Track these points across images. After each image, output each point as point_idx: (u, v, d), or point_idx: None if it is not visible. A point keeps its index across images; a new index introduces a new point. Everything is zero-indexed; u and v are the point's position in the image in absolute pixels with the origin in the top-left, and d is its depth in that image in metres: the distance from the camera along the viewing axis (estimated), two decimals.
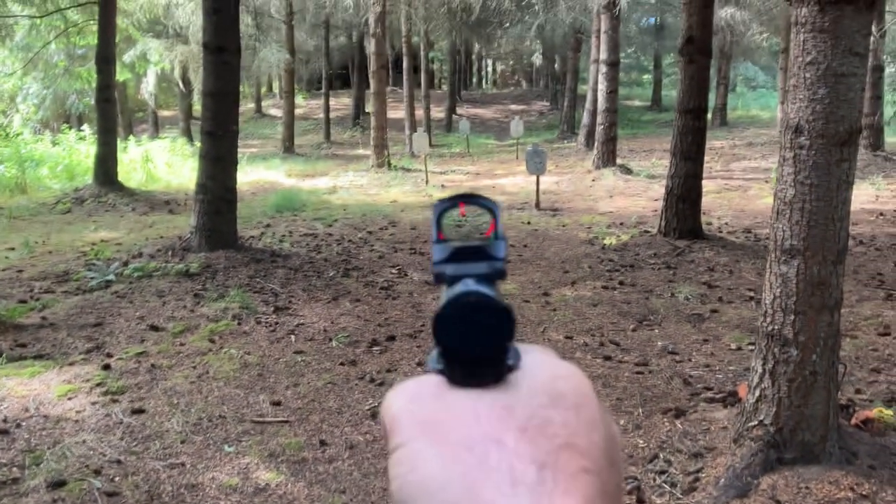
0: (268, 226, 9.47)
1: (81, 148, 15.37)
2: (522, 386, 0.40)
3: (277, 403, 4.17)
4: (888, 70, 18.65)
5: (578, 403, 0.40)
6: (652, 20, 30.51)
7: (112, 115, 11.91)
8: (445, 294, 0.42)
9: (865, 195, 10.61)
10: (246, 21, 13.75)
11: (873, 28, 11.92)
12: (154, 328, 5.36)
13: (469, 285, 0.42)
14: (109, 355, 4.86)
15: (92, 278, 6.47)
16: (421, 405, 0.40)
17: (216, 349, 4.98)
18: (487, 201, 0.49)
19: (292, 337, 5.22)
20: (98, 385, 4.38)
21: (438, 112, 28.85)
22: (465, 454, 0.36)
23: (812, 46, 3.19)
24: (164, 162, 15.51)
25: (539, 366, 0.42)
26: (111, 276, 6.49)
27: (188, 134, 23.49)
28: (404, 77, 20.49)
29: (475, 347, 0.40)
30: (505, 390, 0.40)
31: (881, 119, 14.50)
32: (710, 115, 19.58)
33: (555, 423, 0.38)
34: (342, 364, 4.72)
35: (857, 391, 4.09)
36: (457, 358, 0.40)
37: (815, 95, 3.20)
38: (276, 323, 5.50)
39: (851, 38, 3.16)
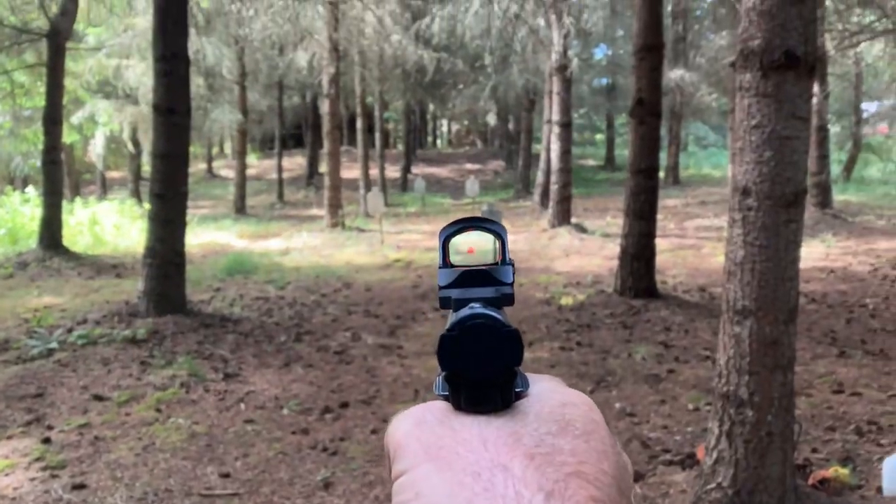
0: (218, 289, 9.30)
1: (26, 210, 15.03)
2: (530, 413, 0.40)
3: (226, 475, 4.01)
4: (833, 129, 19.32)
5: (588, 431, 0.39)
6: (604, 81, 31.36)
7: (58, 177, 11.70)
8: (451, 318, 0.42)
9: (816, 252, 10.85)
10: (197, 82, 13.74)
11: (818, 90, 12.35)
12: (98, 398, 5.16)
13: (475, 309, 0.41)
14: (50, 427, 4.66)
15: (33, 346, 6.24)
16: (426, 430, 0.39)
17: (163, 419, 4.81)
18: (495, 225, 0.48)
19: (242, 405, 5.07)
20: (37, 459, 4.19)
21: (393, 171, 29.03)
22: (471, 481, 0.35)
23: (756, 111, 3.26)
24: (111, 224, 15.24)
25: (548, 393, 0.42)
26: (54, 344, 6.27)
27: (137, 195, 23.19)
28: (359, 137, 20.60)
29: (482, 371, 0.39)
30: (512, 417, 0.39)
31: (828, 177, 14.94)
32: (662, 175, 20.01)
33: (563, 451, 0.37)
34: (294, 433, 4.58)
35: (814, 450, 4.08)
36: (463, 382, 0.40)
37: (762, 158, 3.26)
38: (226, 390, 5.34)
39: (793, 102, 3.24)
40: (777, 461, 3.31)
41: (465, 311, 0.41)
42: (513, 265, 0.47)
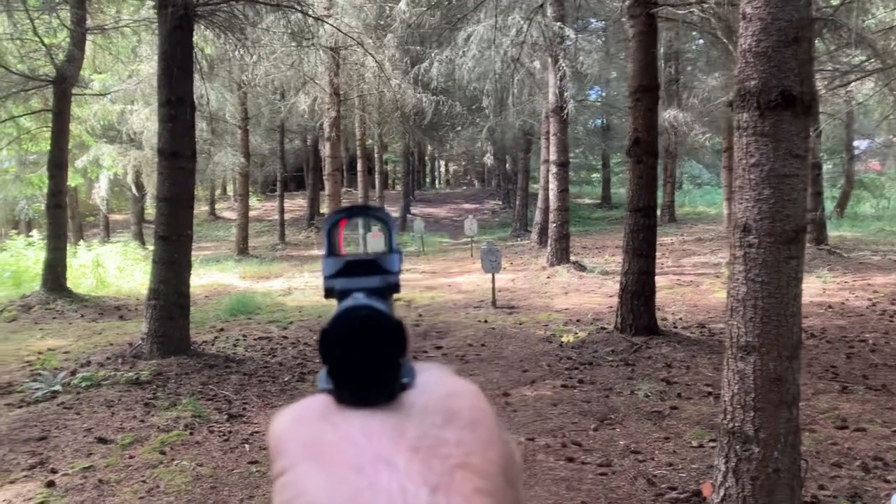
0: (221, 330, 9.31)
1: (30, 254, 15.08)
2: (415, 405, 0.38)
3: None
4: (825, 167, 19.53)
5: (473, 421, 0.39)
6: (598, 122, 31.72)
7: (62, 220, 11.77)
8: (335, 309, 0.40)
9: (813, 288, 10.89)
10: (201, 126, 13.91)
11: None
12: (102, 441, 5.15)
13: (358, 299, 0.40)
14: (54, 471, 4.64)
15: (37, 389, 6.23)
16: (306, 427, 0.38)
17: (167, 461, 4.79)
18: (380, 213, 0.48)
19: (246, 446, 5.06)
20: (41, 503, 4.16)
21: (393, 211, 29.18)
22: (354, 476, 0.34)
23: (755, 149, 3.33)
24: (115, 266, 15.27)
25: (434, 384, 0.40)
26: (57, 387, 6.27)
27: (140, 238, 23.34)
28: (359, 178, 20.79)
29: (364, 365, 0.38)
30: (396, 410, 0.38)
31: (823, 214, 15.05)
32: (658, 212, 20.13)
33: (448, 442, 0.37)
34: None
35: (821, 487, 4.08)
36: (345, 377, 0.38)
37: (761, 196, 3.31)
38: (230, 431, 5.34)
39: (791, 141, 3.31)
40: (785, 498, 3.32)
41: (347, 302, 0.40)
42: (400, 253, 0.46)
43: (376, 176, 23.94)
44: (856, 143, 23.60)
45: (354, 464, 0.35)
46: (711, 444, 4.70)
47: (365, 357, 0.38)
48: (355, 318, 0.38)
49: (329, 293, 0.43)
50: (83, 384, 6.36)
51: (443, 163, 54.10)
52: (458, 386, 0.41)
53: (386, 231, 0.47)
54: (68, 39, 11.48)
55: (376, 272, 0.44)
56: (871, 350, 7.25)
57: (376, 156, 23.94)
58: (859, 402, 5.60)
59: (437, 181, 54.50)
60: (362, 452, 0.35)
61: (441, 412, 0.38)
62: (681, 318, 9.25)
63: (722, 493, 3.41)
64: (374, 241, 14.06)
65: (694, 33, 18.50)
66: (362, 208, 0.49)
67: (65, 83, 11.11)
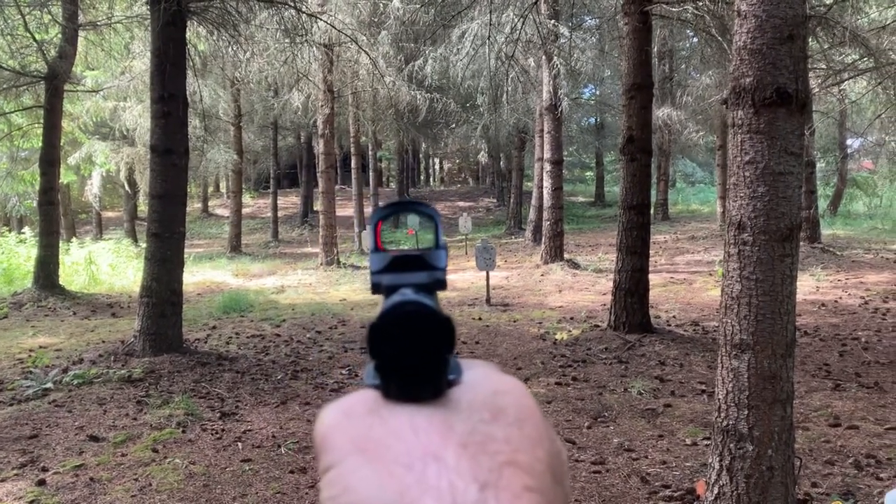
0: (214, 328, 9.28)
1: (21, 251, 15.00)
2: (462, 401, 0.38)
3: None
4: (818, 165, 19.59)
5: (521, 418, 0.39)
6: (592, 120, 31.76)
7: (55, 217, 11.71)
8: (382, 305, 0.40)
9: (807, 286, 10.91)
10: (194, 123, 13.85)
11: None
12: (94, 438, 5.12)
13: (406, 295, 0.40)
14: (45, 469, 4.61)
15: (28, 387, 6.19)
16: (354, 421, 0.38)
17: (159, 459, 4.76)
18: (427, 209, 0.48)
19: (239, 444, 5.04)
20: (32, 502, 4.14)
21: None
22: (403, 472, 0.34)
23: (749, 147, 3.32)
24: (107, 264, 15.21)
25: (480, 381, 0.40)
26: (49, 385, 6.23)
27: (133, 235, 23.27)
28: (353, 175, 20.75)
29: (412, 360, 0.38)
30: (444, 405, 0.38)
31: (816, 212, 15.09)
32: (652, 210, 20.17)
33: (497, 439, 0.37)
34: (291, 472, 4.55)
35: (814, 485, 4.09)
36: (393, 371, 0.38)
37: (756, 193, 3.31)
38: (223, 430, 5.31)
39: (786, 138, 3.30)
40: (779, 496, 3.31)
41: (395, 298, 0.40)
42: (446, 250, 0.46)
43: (370, 173, 23.90)
44: (849, 142, 23.67)
45: (403, 459, 0.35)
46: (705, 441, 4.70)
47: (412, 353, 0.38)
48: (403, 314, 0.39)
49: (377, 288, 0.44)
50: (75, 382, 6.33)
51: (437, 160, 54.07)
52: (505, 383, 0.41)
53: (433, 227, 0.48)
54: (60, 35, 11.42)
55: (423, 268, 0.44)
56: (864, 348, 7.27)
57: (370, 153, 23.89)
58: (852, 400, 5.61)
59: (431, 179, 54.46)
60: (411, 448, 0.35)
61: (488, 408, 0.38)
62: (674, 316, 9.26)
63: (716, 491, 3.40)
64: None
65: (688, 31, 18.51)
66: (408, 204, 0.49)
67: (56, 79, 11.05)
